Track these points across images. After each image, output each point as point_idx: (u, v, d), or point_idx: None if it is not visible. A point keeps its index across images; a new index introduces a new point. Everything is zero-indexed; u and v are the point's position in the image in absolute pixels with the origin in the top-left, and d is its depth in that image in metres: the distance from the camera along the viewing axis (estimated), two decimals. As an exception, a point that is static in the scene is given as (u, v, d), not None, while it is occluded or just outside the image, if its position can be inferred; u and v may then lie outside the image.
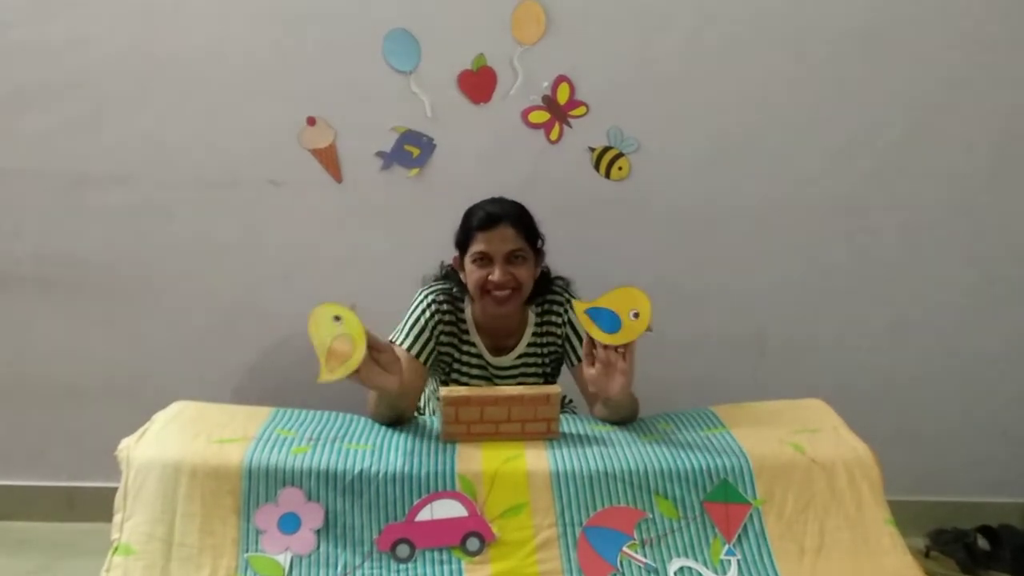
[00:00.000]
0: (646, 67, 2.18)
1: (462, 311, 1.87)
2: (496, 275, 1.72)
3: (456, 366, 1.89)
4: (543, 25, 2.14)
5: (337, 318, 1.45)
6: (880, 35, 2.18)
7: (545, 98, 2.20)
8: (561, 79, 2.18)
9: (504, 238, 1.73)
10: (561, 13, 2.13)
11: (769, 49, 2.18)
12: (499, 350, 1.90)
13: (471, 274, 1.77)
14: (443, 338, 1.83)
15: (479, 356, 1.89)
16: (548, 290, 1.89)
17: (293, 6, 2.12)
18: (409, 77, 2.17)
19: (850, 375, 2.40)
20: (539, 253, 1.84)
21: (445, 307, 1.83)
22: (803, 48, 2.18)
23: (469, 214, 1.80)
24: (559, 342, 1.90)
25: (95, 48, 2.12)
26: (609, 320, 1.56)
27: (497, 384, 1.90)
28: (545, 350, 1.91)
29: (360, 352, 1.44)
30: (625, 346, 1.55)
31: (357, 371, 1.45)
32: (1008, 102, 2.23)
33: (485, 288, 1.74)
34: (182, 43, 2.13)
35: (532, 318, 1.90)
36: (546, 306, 1.89)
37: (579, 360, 1.85)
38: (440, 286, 1.86)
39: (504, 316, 1.81)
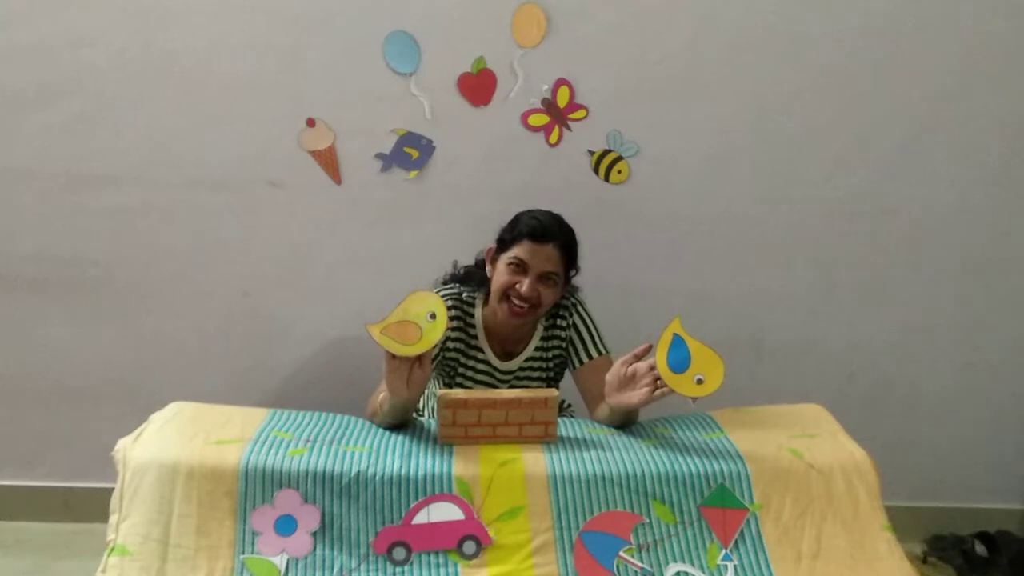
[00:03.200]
0: (646, 71, 2.18)
1: (472, 316, 1.87)
2: (525, 288, 1.72)
3: (461, 370, 1.89)
4: (543, 28, 2.14)
5: (432, 316, 1.47)
6: (881, 40, 2.18)
7: (545, 101, 2.20)
8: (561, 82, 2.18)
9: (548, 257, 1.74)
10: (561, 16, 2.13)
11: (769, 53, 2.18)
12: (506, 355, 1.90)
13: (500, 275, 1.77)
14: (450, 344, 1.84)
15: (486, 362, 1.89)
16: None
17: (293, 7, 2.12)
18: (409, 79, 2.17)
19: (848, 380, 2.40)
20: (568, 281, 1.84)
21: (453, 312, 1.82)
22: (803, 52, 2.18)
23: (524, 217, 1.79)
24: (563, 345, 1.90)
25: (94, 49, 2.12)
26: (681, 360, 1.50)
27: (501, 388, 1.90)
28: (550, 354, 1.91)
29: (414, 350, 1.45)
30: (665, 386, 1.50)
31: (393, 357, 1.46)
32: (1010, 107, 2.23)
33: (508, 295, 1.75)
34: (182, 44, 2.13)
35: (540, 331, 1.91)
36: (553, 309, 1.89)
37: (581, 363, 1.85)
38: (450, 290, 1.86)
39: (516, 326, 1.82)
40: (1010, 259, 2.34)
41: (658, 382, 1.51)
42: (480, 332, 1.87)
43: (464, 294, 1.86)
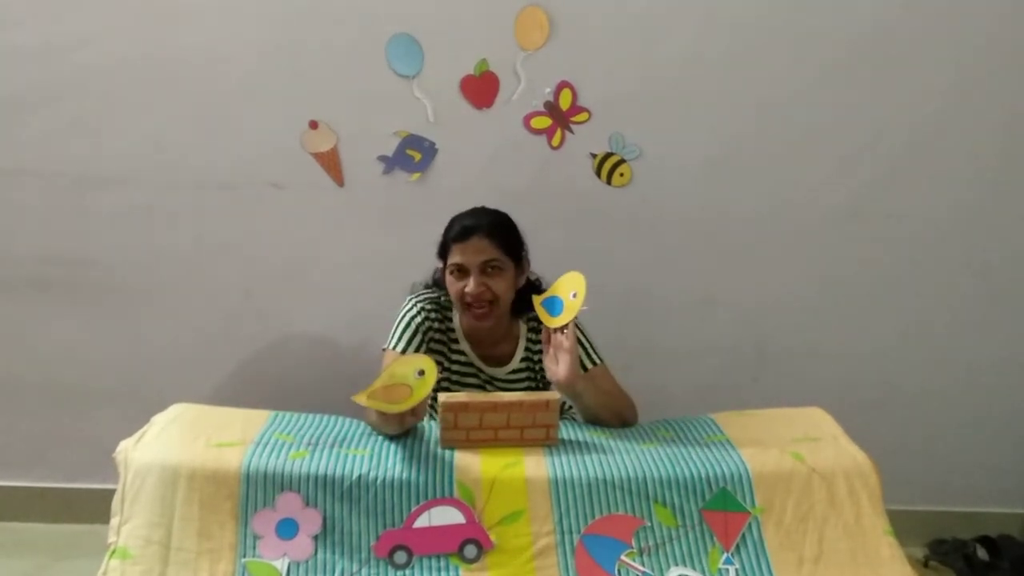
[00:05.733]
0: (649, 74, 2.18)
1: (450, 319, 1.88)
2: (471, 286, 1.73)
3: (446, 374, 1.89)
4: (546, 31, 2.14)
5: (421, 372, 1.48)
6: (884, 43, 2.18)
7: (547, 104, 2.20)
8: (563, 85, 2.18)
9: (478, 249, 1.74)
10: (564, 19, 2.13)
11: (771, 57, 2.18)
12: (492, 359, 1.89)
13: (450, 286, 1.79)
14: (432, 344, 1.84)
15: (470, 364, 1.89)
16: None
17: (296, 10, 2.12)
18: (412, 82, 2.17)
19: (850, 384, 2.39)
20: (521, 263, 1.84)
21: (433, 315, 1.84)
22: (806, 56, 2.18)
23: (448, 226, 1.82)
24: None
25: (98, 50, 2.12)
26: (556, 306, 1.68)
27: (491, 391, 1.89)
28: (537, 367, 1.90)
29: (406, 407, 1.46)
30: (566, 326, 1.63)
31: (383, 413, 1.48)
32: (1012, 110, 2.23)
33: (464, 300, 1.76)
34: (185, 46, 2.13)
35: (524, 332, 1.90)
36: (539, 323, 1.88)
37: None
38: (428, 294, 1.88)
39: (486, 329, 1.82)
40: (1013, 263, 2.33)
41: (563, 331, 1.64)
42: (460, 335, 1.88)
43: (442, 297, 1.88)
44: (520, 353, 1.89)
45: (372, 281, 2.27)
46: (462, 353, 1.88)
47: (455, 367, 1.89)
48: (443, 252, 1.82)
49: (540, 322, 1.86)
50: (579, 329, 1.84)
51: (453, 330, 1.88)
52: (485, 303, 1.75)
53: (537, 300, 1.71)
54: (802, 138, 2.23)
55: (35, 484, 2.41)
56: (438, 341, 1.86)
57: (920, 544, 2.36)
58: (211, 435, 1.52)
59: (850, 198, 2.27)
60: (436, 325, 1.84)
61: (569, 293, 1.65)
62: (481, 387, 1.90)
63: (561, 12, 2.13)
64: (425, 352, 1.81)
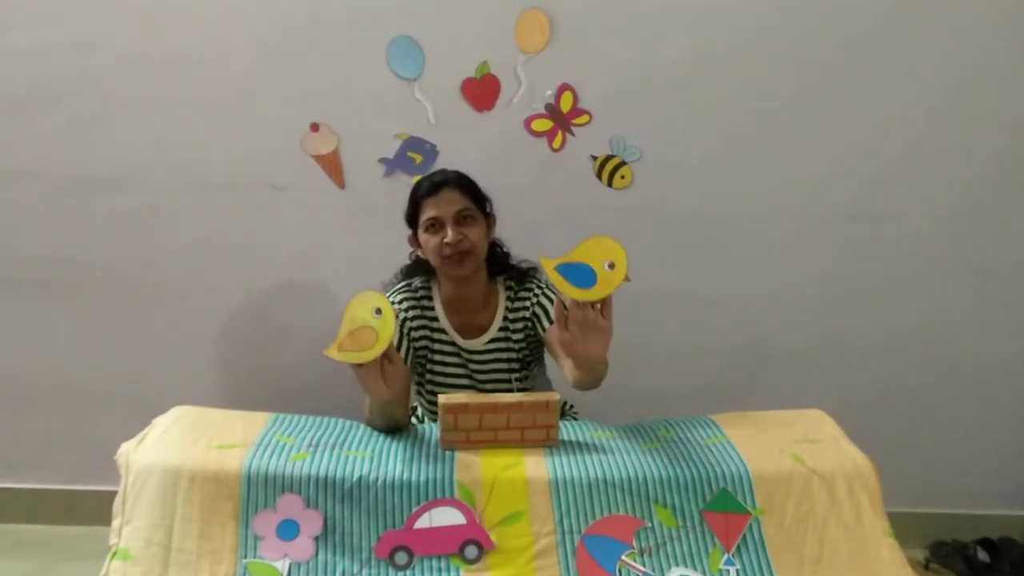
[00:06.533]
0: (649, 76, 2.18)
1: (430, 299, 1.89)
2: (449, 236, 1.75)
3: (429, 355, 1.90)
4: (547, 34, 2.14)
5: (378, 311, 1.47)
6: (884, 45, 2.18)
7: (548, 106, 2.20)
8: (564, 87, 2.18)
9: (450, 200, 1.77)
10: (565, 22, 2.14)
11: (772, 59, 2.18)
12: (470, 331, 1.89)
13: (427, 243, 1.79)
14: (415, 333, 1.85)
15: (451, 343, 1.89)
16: (516, 271, 1.90)
17: (298, 12, 2.12)
18: (413, 84, 2.18)
19: (851, 385, 2.39)
20: (488, 217, 1.87)
21: (407, 304, 1.85)
22: (806, 58, 2.18)
23: (415, 188, 1.84)
24: (530, 323, 1.86)
25: (100, 52, 2.13)
26: (583, 275, 1.43)
27: (472, 368, 1.90)
28: (515, 336, 1.89)
29: (376, 351, 1.45)
30: (603, 301, 1.44)
31: (360, 365, 1.45)
32: (1012, 112, 2.23)
33: (443, 253, 1.77)
34: (186, 47, 2.14)
35: (503, 303, 1.89)
36: (522, 293, 1.88)
37: (551, 322, 1.76)
38: (399, 287, 1.89)
39: (466, 280, 1.82)
40: (1012, 264, 2.33)
41: (596, 306, 1.44)
42: (440, 312, 1.88)
43: (414, 283, 1.89)
44: (498, 323, 1.89)
45: (372, 283, 2.23)
46: (443, 332, 1.89)
47: (436, 346, 1.89)
48: (412, 217, 1.84)
49: (518, 291, 1.87)
50: (554, 290, 1.75)
51: (432, 308, 1.88)
52: (464, 249, 1.76)
53: (550, 264, 1.44)
54: (802, 138, 2.23)
55: (36, 486, 2.42)
56: (420, 328, 1.86)
57: (920, 546, 2.35)
58: (212, 437, 1.52)
59: (850, 198, 2.28)
60: (412, 313, 1.85)
61: (603, 263, 1.43)
62: (463, 366, 1.90)
63: (562, 14, 2.13)
64: (409, 345, 1.83)
